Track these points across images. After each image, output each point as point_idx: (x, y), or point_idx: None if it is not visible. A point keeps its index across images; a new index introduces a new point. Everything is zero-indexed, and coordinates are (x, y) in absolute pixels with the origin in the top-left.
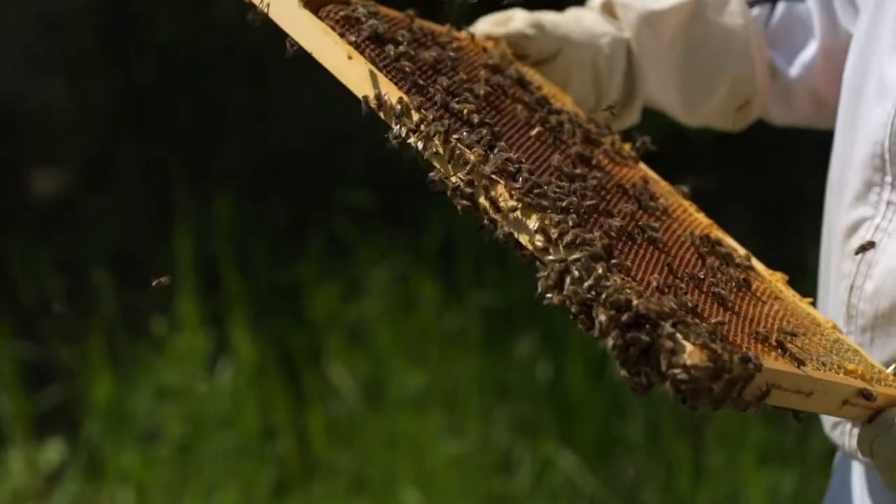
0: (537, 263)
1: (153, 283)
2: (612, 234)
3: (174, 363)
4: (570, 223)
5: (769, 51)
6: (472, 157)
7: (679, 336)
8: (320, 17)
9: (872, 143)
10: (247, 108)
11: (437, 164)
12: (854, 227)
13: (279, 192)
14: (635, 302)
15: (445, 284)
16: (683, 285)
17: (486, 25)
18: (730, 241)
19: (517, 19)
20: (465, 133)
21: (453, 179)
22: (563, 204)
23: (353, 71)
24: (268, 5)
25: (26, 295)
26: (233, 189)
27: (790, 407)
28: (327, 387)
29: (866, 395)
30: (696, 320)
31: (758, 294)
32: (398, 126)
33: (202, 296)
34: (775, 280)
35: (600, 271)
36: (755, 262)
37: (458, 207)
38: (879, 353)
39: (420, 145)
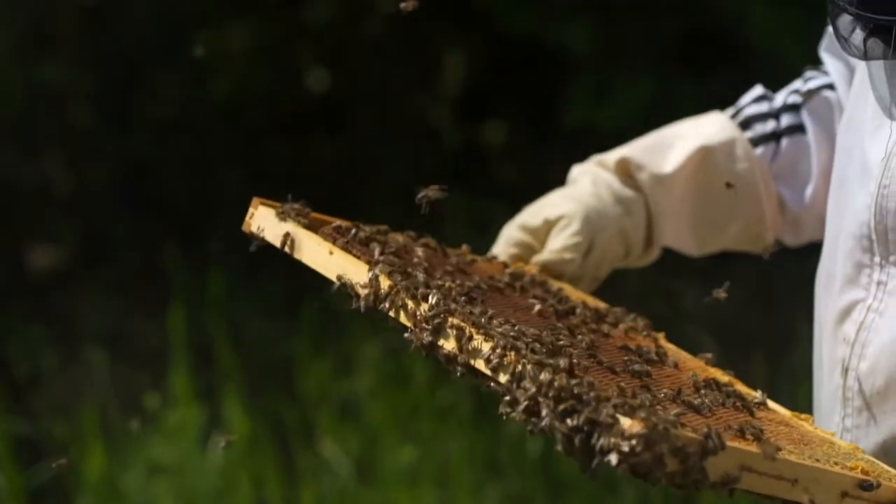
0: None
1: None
2: (575, 360)
3: (167, 438)
4: (527, 349)
5: (776, 186)
6: (432, 300)
7: (618, 414)
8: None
9: (859, 225)
10: (241, 182)
11: (402, 319)
12: (846, 311)
13: (272, 267)
14: (576, 390)
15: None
16: (651, 396)
17: (511, 253)
18: (744, 388)
19: (552, 244)
20: (433, 294)
21: (415, 325)
22: (528, 341)
23: (332, 261)
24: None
25: (20, 370)
26: (226, 264)
27: (776, 495)
28: (320, 462)
29: (865, 486)
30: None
31: (758, 417)
32: (366, 292)
33: (195, 371)
34: (800, 418)
35: (549, 375)
36: (773, 404)
37: (424, 353)
38: (878, 433)
39: (387, 305)
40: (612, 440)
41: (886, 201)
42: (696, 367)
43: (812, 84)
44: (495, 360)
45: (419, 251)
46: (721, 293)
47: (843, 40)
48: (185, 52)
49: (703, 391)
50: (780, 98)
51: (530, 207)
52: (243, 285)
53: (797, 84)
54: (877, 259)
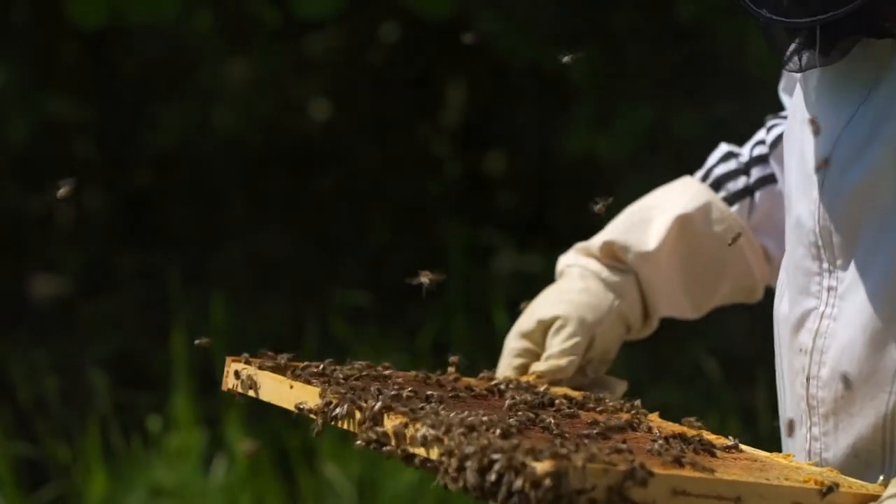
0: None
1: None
2: (514, 430)
3: (169, 461)
4: (461, 426)
5: (758, 238)
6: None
7: (529, 458)
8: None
9: (806, 234)
10: (243, 211)
11: (352, 428)
12: (801, 322)
13: (275, 293)
14: (498, 445)
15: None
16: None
17: (517, 365)
18: (723, 441)
19: (549, 350)
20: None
21: (360, 430)
22: (469, 423)
23: (292, 392)
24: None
25: (23, 395)
26: (229, 290)
27: None
28: (321, 485)
29: (825, 491)
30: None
31: (716, 458)
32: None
33: (197, 394)
34: (775, 456)
35: (475, 441)
36: (748, 449)
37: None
38: (847, 437)
39: (341, 412)
40: (524, 482)
41: (828, 205)
42: (679, 430)
43: (775, 132)
44: (426, 439)
45: (398, 378)
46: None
47: (778, 53)
48: (188, 84)
49: (659, 442)
50: (747, 152)
51: (525, 311)
52: (245, 311)
53: (761, 135)
54: (825, 265)
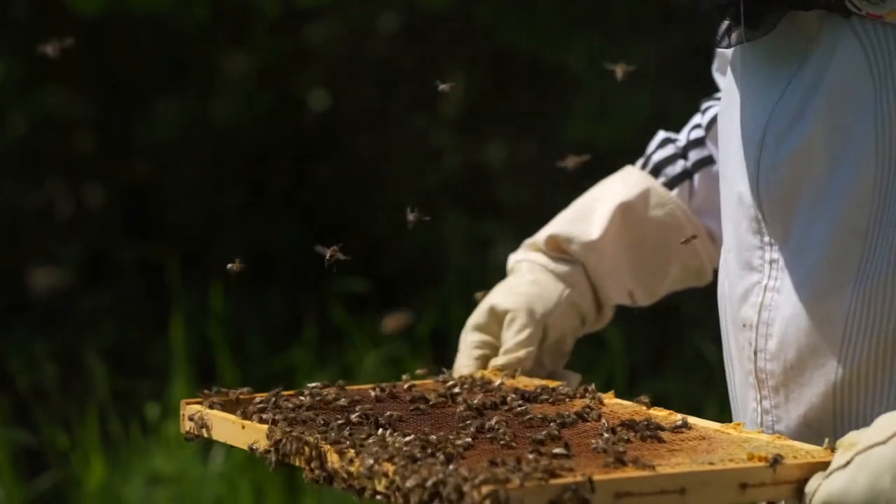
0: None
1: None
2: (459, 451)
3: (167, 449)
4: (402, 458)
5: (702, 220)
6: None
7: (467, 485)
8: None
9: (746, 209)
10: (243, 204)
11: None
12: (745, 297)
13: (274, 283)
14: (437, 477)
15: (438, 369)
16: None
17: (476, 357)
18: (673, 417)
19: (505, 344)
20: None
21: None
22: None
23: (244, 432)
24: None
25: (22, 383)
26: (227, 281)
27: None
28: None
29: (772, 462)
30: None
31: (663, 443)
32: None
33: (196, 382)
34: (727, 428)
35: (416, 475)
36: (698, 422)
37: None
38: (798, 407)
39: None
40: None
41: (766, 179)
42: (630, 412)
43: (710, 113)
44: (371, 472)
45: (354, 398)
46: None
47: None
48: (186, 76)
49: (605, 436)
50: (684, 136)
51: (478, 306)
52: (244, 301)
53: (697, 119)
54: (766, 239)
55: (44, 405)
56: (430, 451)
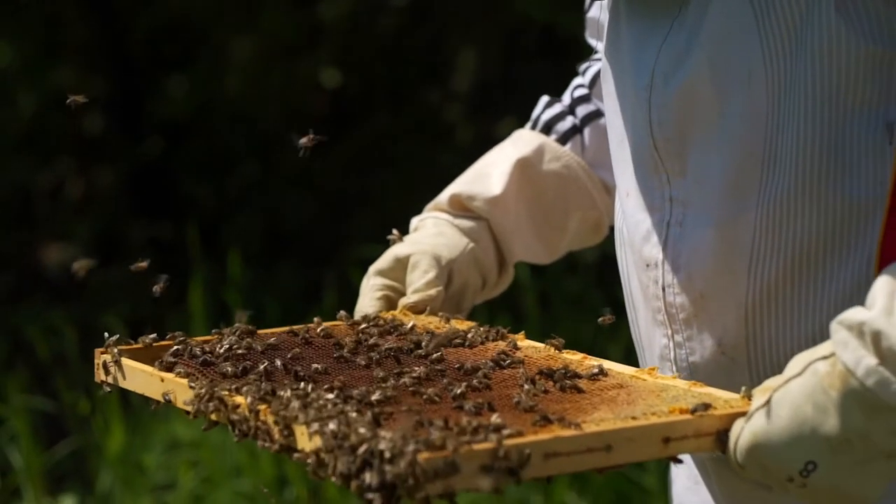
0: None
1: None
2: (377, 411)
3: (187, 415)
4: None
5: (596, 172)
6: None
7: (407, 447)
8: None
9: (643, 150)
10: (256, 181)
11: (222, 419)
12: (647, 237)
13: (288, 254)
14: (355, 439)
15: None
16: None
17: (378, 298)
18: (588, 362)
19: (413, 285)
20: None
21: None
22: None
23: (162, 384)
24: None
25: (41, 352)
26: (244, 256)
27: (596, 467)
28: None
29: (695, 409)
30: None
31: (583, 393)
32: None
33: None
34: (642, 374)
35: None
36: (614, 367)
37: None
38: (711, 335)
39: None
40: (397, 473)
41: (658, 118)
42: (544, 357)
43: (591, 72)
44: (295, 434)
45: (260, 343)
46: (607, 319)
47: None
48: (198, 54)
49: (526, 386)
50: (568, 96)
51: (380, 257)
52: (261, 274)
53: (577, 80)
54: (664, 177)
55: (64, 372)
56: (355, 408)
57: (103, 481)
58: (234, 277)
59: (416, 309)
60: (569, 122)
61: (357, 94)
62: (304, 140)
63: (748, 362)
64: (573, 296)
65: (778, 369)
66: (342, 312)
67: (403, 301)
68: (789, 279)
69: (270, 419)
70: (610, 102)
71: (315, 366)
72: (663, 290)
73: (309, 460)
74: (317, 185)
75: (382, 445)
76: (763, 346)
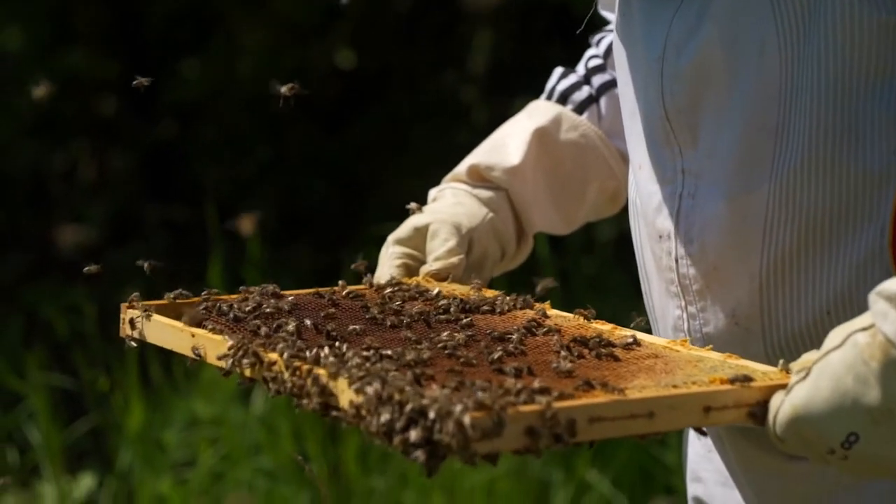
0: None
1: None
2: (418, 371)
3: (207, 392)
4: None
5: (612, 141)
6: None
7: (456, 408)
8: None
9: (654, 121)
10: (270, 164)
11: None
12: (659, 209)
13: (304, 235)
14: (400, 397)
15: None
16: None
17: (398, 266)
18: (620, 332)
19: (435, 252)
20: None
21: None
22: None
23: (193, 339)
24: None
25: (60, 329)
26: (260, 232)
27: (637, 433)
28: None
29: (737, 379)
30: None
31: (620, 361)
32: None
33: None
34: (674, 345)
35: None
36: (646, 338)
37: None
38: (725, 306)
39: (244, 364)
40: (445, 432)
41: (670, 90)
42: (574, 325)
43: (604, 43)
44: (333, 391)
45: (286, 303)
46: (546, 283)
47: None
48: (212, 36)
49: (563, 353)
50: (583, 66)
51: (399, 227)
52: (277, 255)
53: (591, 52)
54: (677, 149)
55: (83, 350)
56: (394, 367)
57: (122, 459)
58: (252, 257)
59: (439, 277)
60: (585, 91)
61: (372, 76)
62: (283, 89)
63: (762, 332)
64: (591, 275)
65: (792, 339)
66: (368, 276)
67: (425, 269)
68: (803, 250)
69: (308, 377)
70: (622, 74)
71: (353, 327)
72: (676, 261)
73: (349, 418)
74: (332, 166)
75: (427, 403)
76: (777, 316)
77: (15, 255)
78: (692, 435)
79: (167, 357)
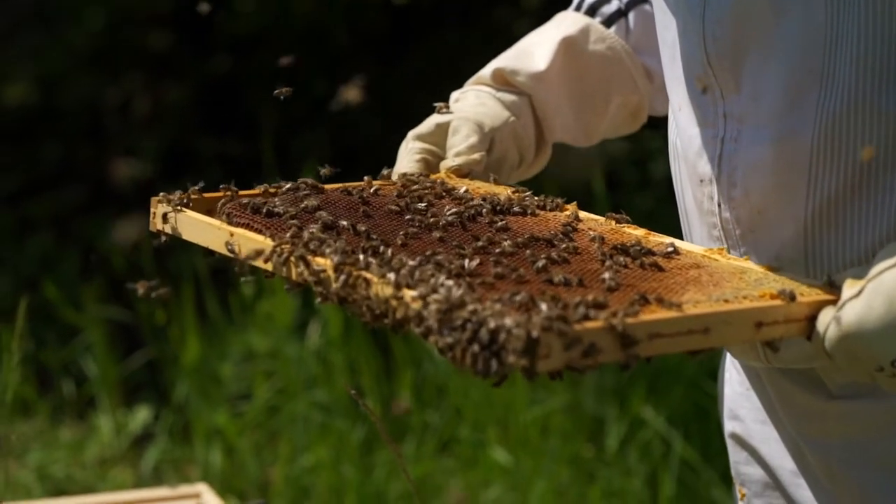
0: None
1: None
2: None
3: (263, 326)
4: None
5: (639, 57)
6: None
7: (531, 327)
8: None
9: (695, 65)
10: (325, 98)
11: (302, 276)
12: (700, 153)
13: (360, 168)
14: (471, 307)
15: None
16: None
17: (417, 160)
18: (656, 238)
19: (456, 148)
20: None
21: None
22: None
23: (228, 237)
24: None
25: (117, 262)
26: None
27: (692, 349)
28: (416, 348)
29: (785, 293)
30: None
31: (667, 269)
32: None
33: None
34: (712, 254)
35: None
36: (684, 246)
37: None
38: (769, 250)
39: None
40: (510, 348)
41: (713, 33)
42: (608, 230)
43: None
44: (392, 299)
45: (312, 201)
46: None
47: None
48: None
49: (608, 262)
50: None
51: (421, 124)
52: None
53: None
54: (718, 92)
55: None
56: (445, 275)
57: (179, 392)
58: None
59: (460, 172)
60: (614, 5)
61: (426, 9)
62: (277, 92)
63: (806, 276)
64: (646, 211)
65: None
66: (386, 170)
67: (446, 163)
68: (848, 194)
69: (363, 285)
70: (661, 17)
71: (403, 233)
72: (718, 205)
73: (412, 329)
74: (386, 100)
75: (494, 317)
76: (822, 260)
77: (70, 188)
78: (728, 372)
79: (223, 290)
